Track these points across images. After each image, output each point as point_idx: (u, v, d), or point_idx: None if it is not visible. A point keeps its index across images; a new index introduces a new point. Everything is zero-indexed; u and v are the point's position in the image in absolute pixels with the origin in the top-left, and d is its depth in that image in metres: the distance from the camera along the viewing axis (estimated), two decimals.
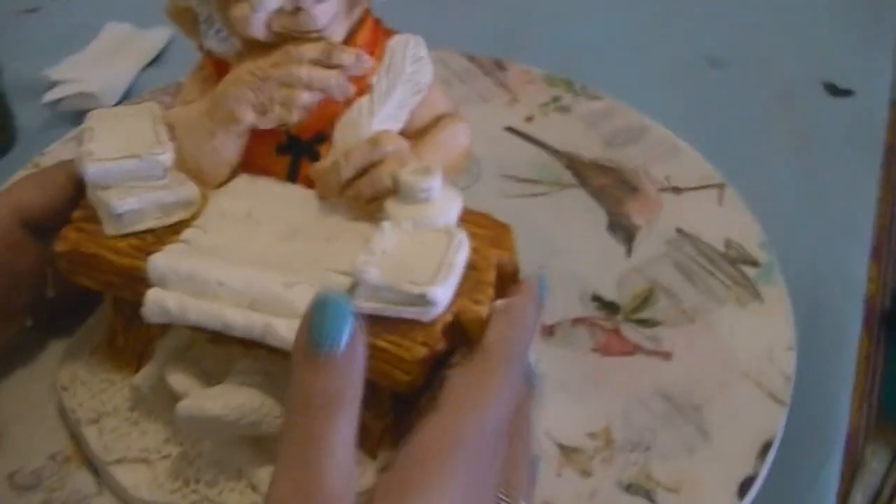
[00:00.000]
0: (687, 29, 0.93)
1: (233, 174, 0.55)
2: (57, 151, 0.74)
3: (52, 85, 0.84)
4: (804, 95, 0.86)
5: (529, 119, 0.75)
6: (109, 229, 0.53)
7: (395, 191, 0.52)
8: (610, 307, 0.64)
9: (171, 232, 0.53)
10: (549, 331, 0.62)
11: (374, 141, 0.52)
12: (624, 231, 0.68)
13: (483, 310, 0.50)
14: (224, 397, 0.50)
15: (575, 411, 0.58)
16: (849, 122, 0.83)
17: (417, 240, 0.50)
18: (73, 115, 0.82)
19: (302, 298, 0.48)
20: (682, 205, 0.69)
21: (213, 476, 0.53)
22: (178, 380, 0.52)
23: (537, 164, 0.72)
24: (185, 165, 0.54)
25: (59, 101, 0.83)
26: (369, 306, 0.48)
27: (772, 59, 0.90)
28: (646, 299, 0.64)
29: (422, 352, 0.48)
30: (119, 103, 0.83)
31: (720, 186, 0.70)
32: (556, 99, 0.77)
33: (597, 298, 0.64)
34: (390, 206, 0.51)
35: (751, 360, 0.60)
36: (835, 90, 0.86)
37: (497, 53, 0.83)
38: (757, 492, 0.55)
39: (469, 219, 0.53)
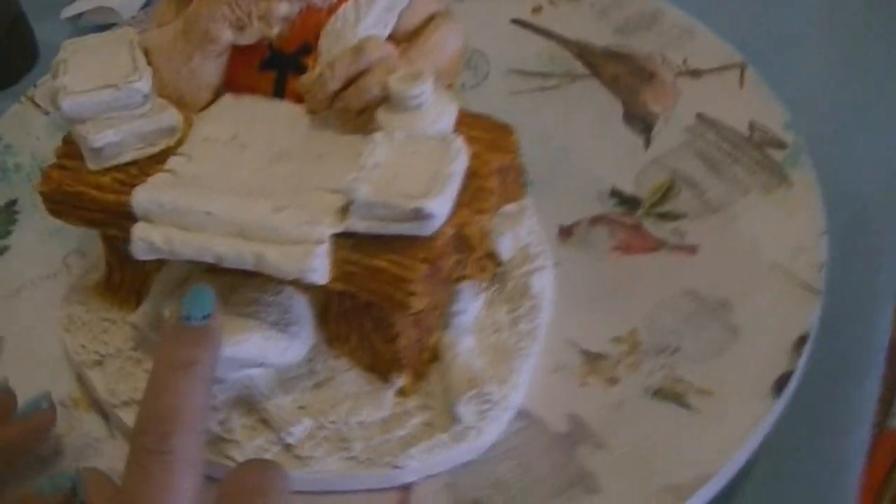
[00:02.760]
0: None
1: (216, 95, 0.52)
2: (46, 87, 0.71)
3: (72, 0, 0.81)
4: None
5: (537, 10, 0.71)
6: (91, 164, 0.50)
7: (385, 100, 0.48)
8: (630, 202, 0.60)
9: (155, 162, 0.50)
10: (566, 232, 0.59)
11: (359, 49, 0.48)
12: (641, 121, 0.64)
13: (486, 220, 0.47)
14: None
15: (598, 316, 0.55)
16: None
17: (411, 150, 0.47)
18: (95, 29, 0.78)
19: (292, 223, 0.46)
20: (702, 89, 0.65)
21: (225, 413, 0.51)
22: None
23: (546, 57, 0.68)
24: (165, 91, 0.51)
25: (80, 15, 0.81)
26: (364, 225, 0.45)
27: None
28: (667, 191, 0.60)
29: (423, 269, 0.45)
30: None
31: (741, 67, 0.66)
32: None
33: (616, 194, 0.61)
34: (381, 116, 0.48)
35: (780, 249, 0.57)
36: None
37: None
38: (793, 390, 0.52)
39: (467, 122, 0.50)
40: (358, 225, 0.45)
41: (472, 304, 0.53)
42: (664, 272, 0.57)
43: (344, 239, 0.46)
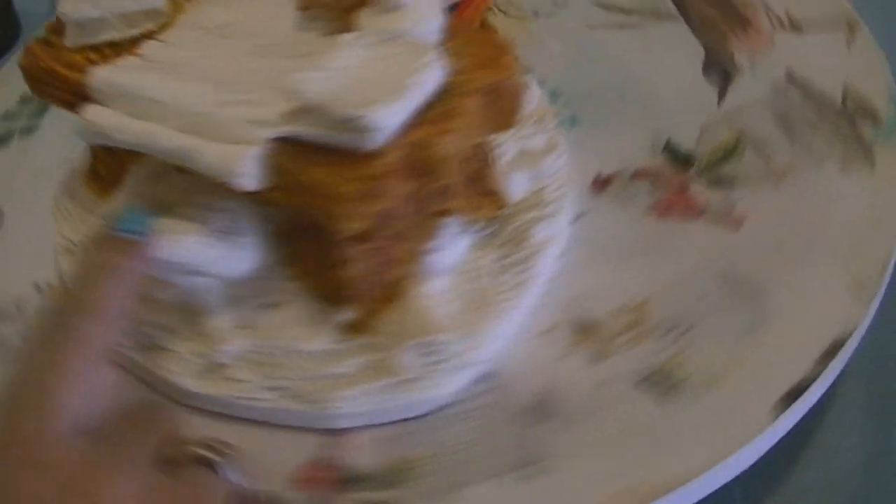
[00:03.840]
0: None
1: None
2: None
3: None
4: None
5: None
6: (69, 41, 0.47)
7: None
8: (683, 159, 0.53)
9: (132, 45, 0.47)
10: (603, 182, 0.52)
11: None
12: (722, 73, 0.56)
13: (449, 143, 0.41)
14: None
15: (609, 279, 0.48)
16: None
17: (381, 55, 0.42)
18: None
19: (237, 120, 0.41)
20: (801, 45, 0.56)
21: (164, 319, 0.47)
22: None
23: None
24: None
25: None
26: (304, 131, 0.40)
27: None
28: (729, 152, 0.52)
29: (356, 187, 0.39)
30: None
31: (853, 26, 0.56)
32: None
33: (670, 148, 0.53)
34: (363, 15, 0.43)
35: (843, 235, 0.48)
36: None
37: None
38: (814, 403, 0.44)
39: (465, 35, 0.44)
40: (299, 130, 0.40)
41: (453, 244, 0.47)
42: (699, 242, 0.49)
43: (287, 145, 0.41)
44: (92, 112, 0.44)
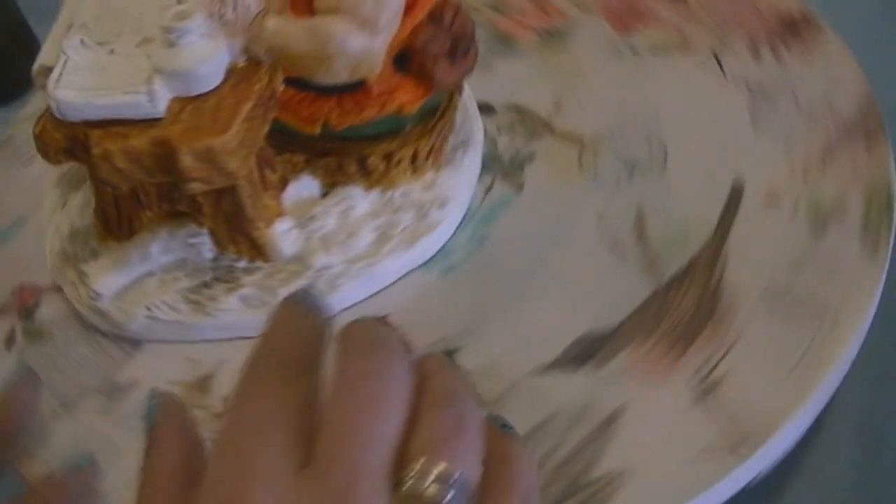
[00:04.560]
0: None
1: None
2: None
3: None
4: None
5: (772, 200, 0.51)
6: None
7: None
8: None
9: None
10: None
11: None
12: (582, 357, 0.47)
13: (102, 161, 0.46)
14: None
15: None
16: None
17: (134, 65, 0.47)
18: None
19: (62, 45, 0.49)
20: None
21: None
22: None
23: (678, 222, 0.51)
24: None
25: None
26: None
27: None
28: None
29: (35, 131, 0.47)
30: None
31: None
32: None
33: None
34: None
35: None
36: None
37: None
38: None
39: (209, 111, 0.46)
40: None
41: (191, 248, 0.52)
42: None
43: None
44: None
